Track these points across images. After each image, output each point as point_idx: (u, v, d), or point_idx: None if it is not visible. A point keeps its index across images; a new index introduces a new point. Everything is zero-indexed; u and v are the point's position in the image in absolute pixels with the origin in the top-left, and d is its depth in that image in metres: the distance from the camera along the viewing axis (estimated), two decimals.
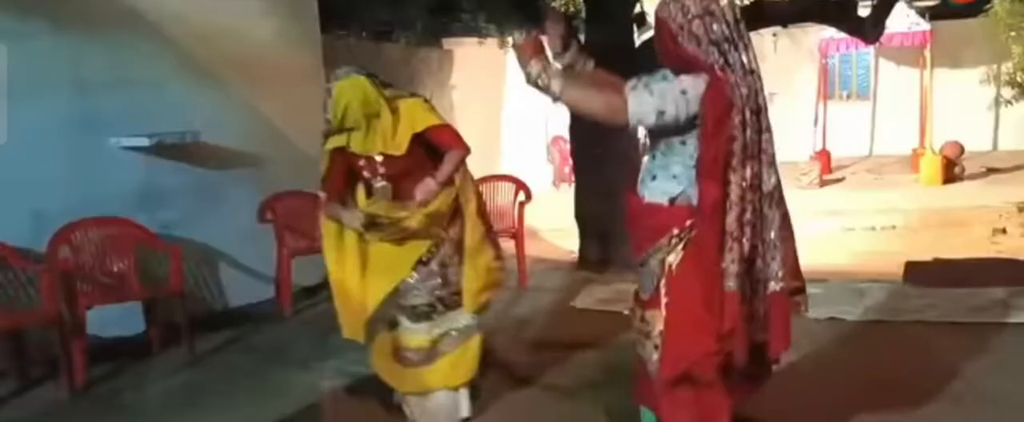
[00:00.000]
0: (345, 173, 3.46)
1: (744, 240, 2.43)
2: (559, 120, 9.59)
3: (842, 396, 3.63)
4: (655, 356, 2.65)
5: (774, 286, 2.51)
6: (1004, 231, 8.03)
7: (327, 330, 5.29)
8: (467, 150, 3.45)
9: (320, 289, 6.13)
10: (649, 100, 2.43)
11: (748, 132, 2.40)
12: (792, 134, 13.96)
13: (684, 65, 2.45)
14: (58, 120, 4.89)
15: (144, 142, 5.07)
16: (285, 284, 5.70)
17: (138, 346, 4.92)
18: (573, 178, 7.33)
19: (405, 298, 3.49)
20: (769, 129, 2.48)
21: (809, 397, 3.66)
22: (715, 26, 2.40)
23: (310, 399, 4.12)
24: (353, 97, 3.25)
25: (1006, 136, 13.42)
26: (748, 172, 2.42)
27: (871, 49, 12.93)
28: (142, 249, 5.08)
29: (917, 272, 5.61)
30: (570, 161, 7.77)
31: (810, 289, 5.36)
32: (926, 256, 6.14)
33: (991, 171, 11.73)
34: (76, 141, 4.97)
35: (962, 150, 11.52)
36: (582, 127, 5.58)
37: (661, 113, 2.42)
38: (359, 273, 3.47)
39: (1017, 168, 11.69)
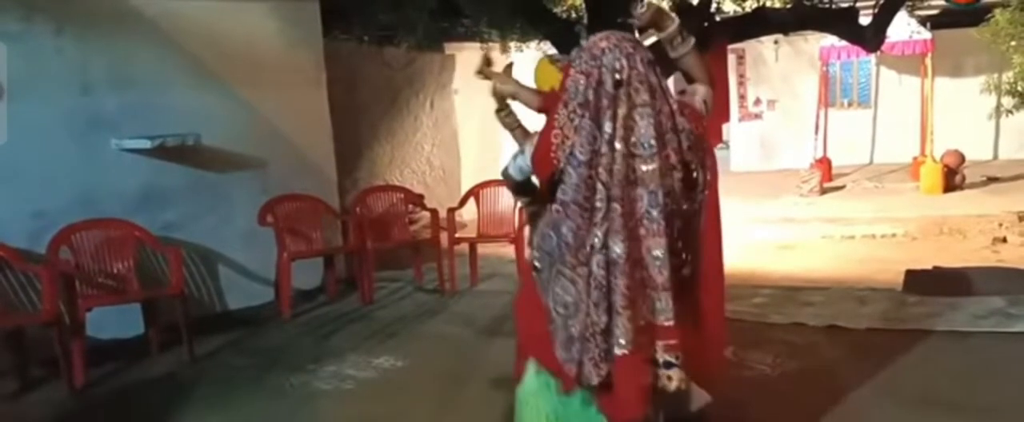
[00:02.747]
0: None
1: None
2: None
3: (841, 404, 3.63)
4: None
5: (618, 351, 2.52)
6: (1004, 240, 8.01)
7: (326, 334, 5.31)
8: None
9: (319, 292, 6.15)
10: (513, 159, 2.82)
11: (597, 200, 2.48)
12: (793, 142, 14.07)
13: (547, 101, 2.66)
14: (60, 121, 4.91)
15: (145, 144, 5.08)
16: (285, 287, 5.70)
17: (137, 348, 4.92)
18: None
19: None
20: (622, 200, 2.48)
21: (808, 405, 3.66)
22: (591, 93, 2.47)
23: (309, 403, 4.11)
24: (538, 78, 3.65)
25: (1006, 145, 13.42)
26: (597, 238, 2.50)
27: (872, 57, 12.93)
28: (142, 251, 5.10)
29: (917, 280, 5.60)
30: None
31: (811, 297, 5.49)
32: (926, 264, 6.13)
33: (991, 180, 11.72)
34: (78, 142, 4.98)
35: (963, 159, 11.51)
36: None
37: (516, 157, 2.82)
38: None
39: (1017, 177, 11.68)
